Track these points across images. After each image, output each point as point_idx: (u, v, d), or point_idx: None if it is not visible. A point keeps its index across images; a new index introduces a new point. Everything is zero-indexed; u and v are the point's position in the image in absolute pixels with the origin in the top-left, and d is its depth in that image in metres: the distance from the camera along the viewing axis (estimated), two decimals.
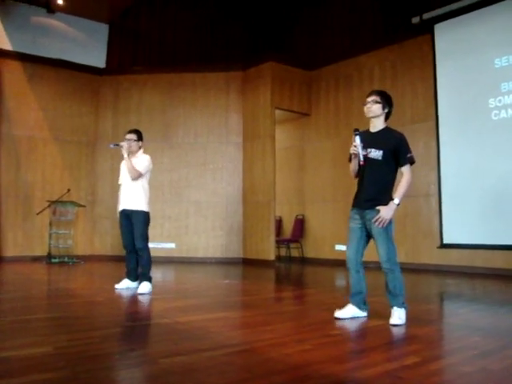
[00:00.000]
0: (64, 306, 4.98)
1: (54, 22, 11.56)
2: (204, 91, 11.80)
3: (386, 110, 4.24)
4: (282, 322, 4.18)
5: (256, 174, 11.09)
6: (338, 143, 10.93)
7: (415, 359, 2.96)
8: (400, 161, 4.12)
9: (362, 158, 4.13)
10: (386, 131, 4.26)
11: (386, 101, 4.25)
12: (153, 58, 12.44)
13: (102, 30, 12.18)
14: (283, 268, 10.45)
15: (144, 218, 5.97)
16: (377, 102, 4.21)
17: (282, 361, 2.91)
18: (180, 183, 11.44)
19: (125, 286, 6.07)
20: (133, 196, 5.97)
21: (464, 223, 8.89)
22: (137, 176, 5.93)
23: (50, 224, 10.34)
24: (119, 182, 6.22)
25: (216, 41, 12.90)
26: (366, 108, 4.26)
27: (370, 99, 4.24)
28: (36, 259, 10.47)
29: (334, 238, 10.95)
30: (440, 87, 9.39)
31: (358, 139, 4.15)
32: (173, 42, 12.60)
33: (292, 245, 11.94)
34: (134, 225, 5.94)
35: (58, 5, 11.25)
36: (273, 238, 10.66)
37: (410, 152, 4.15)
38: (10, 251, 10.51)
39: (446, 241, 9.09)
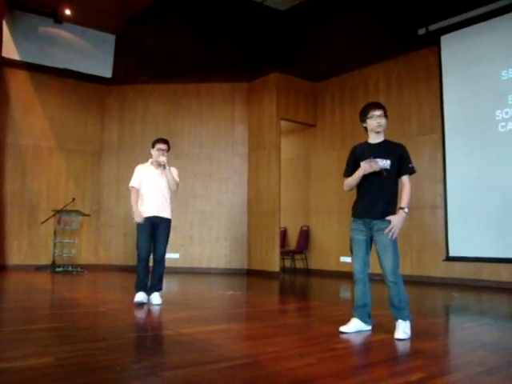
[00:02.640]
0: (66, 315, 4.95)
1: (61, 32, 11.62)
2: (209, 102, 11.81)
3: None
4: (286, 335, 4.14)
5: (261, 184, 11.06)
6: (344, 154, 10.77)
7: (420, 375, 2.91)
8: (402, 170, 4.12)
9: (385, 172, 4.04)
10: (387, 142, 4.27)
11: (387, 115, 4.26)
12: (159, 68, 12.48)
13: (109, 40, 12.22)
14: (288, 280, 10.38)
15: (170, 224, 5.97)
16: (386, 116, 4.21)
17: (285, 375, 2.86)
18: (185, 193, 11.40)
19: (141, 298, 5.72)
20: (165, 204, 5.94)
21: (470, 236, 8.83)
22: (177, 187, 6.00)
23: (55, 233, 10.35)
24: (135, 186, 5.99)
25: (221, 52, 12.95)
26: (376, 123, 4.16)
27: (379, 113, 4.18)
28: (40, 268, 10.45)
29: (339, 249, 10.90)
30: (446, 99, 9.36)
31: (377, 160, 4.07)
32: (178, 52, 12.65)
33: (297, 256, 11.88)
34: (161, 232, 5.83)
35: (66, 15, 11.30)
36: (277, 249, 10.61)
37: (411, 162, 4.16)
38: (14, 259, 10.51)
39: (451, 253, 9.03)
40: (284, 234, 12.31)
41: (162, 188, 5.96)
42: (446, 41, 9.46)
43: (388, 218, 4.04)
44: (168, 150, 6.10)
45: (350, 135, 10.89)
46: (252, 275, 10.76)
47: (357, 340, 3.96)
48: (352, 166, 4.36)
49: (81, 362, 3.04)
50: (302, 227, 11.89)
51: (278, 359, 3.21)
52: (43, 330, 4.19)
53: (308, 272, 11.55)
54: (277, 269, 10.50)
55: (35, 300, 6.27)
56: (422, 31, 9.69)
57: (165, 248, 5.88)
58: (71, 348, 3.42)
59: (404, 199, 4.08)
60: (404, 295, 4.04)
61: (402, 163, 4.12)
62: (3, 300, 6.35)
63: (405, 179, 4.13)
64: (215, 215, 11.41)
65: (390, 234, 4.00)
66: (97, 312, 5.24)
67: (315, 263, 11.56)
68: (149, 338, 4.07)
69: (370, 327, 4.23)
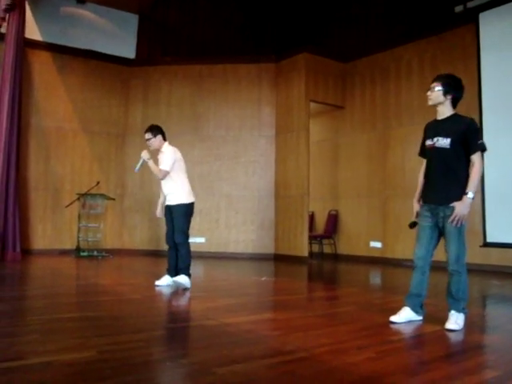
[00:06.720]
0: (100, 303, 4.74)
1: (83, 13, 11.36)
2: (235, 83, 11.51)
3: (450, 96, 3.88)
4: (335, 326, 3.90)
5: (289, 167, 10.79)
6: (374, 137, 10.60)
7: (494, 373, 2.68)
8: (470, 148, 3.76)
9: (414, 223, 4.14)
10: (454, 117, 3.91)
11: (451, 86, 3.88)
12: (182, 49, 12.19)
13: (132, 20, 11.92)
14: (317, 265, 10.15)
15: (183, 210, 5.79)
16: (437, 90, 3.88)
17: (348, 371, 2.64)
18: (211, 176, 11.19)
19: (165, 282, 5.85)
20: (170, 192, 5.86)
21: (508, 221, 8.48)
22: (164, 175, 5.80)
23: (79, 217, 10.17)
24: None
25: (246, 33, 12.62)
26: (428, 95, 3.98)
27: (431, 85, 3.95)
28: (64, 252, 10.32)
29: (368, 234, 10.63)
30: (484, 79, 8.95)
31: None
32: (202, 32, 12.36)
33: (324, 241, 11.63)
34: (174, 219, 5.80)
35: None
36: (306, 233, 10.34)
37: (481, 138, 3.82)
38: (38, 244, 10.36)
39: (489, 239, 8.70)
40: (312, 218, 12.04)
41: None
42: (484, 18, 9.00)
43: (453, 204, 3.75)
44: (154, 135, 5.87)
45: (381, 117, 10.56)
46: (279, 260, 10.53)
47: (410, 331, 3.73)
48: (422, 145, 4.14)
49: (125, 356, 2.83)
50: (330, 211, 11.62)
51: (336, 353, 2.99)
52: (78, 320, 3.98)
53: (336, 257, 11.29)
54: (305, 254, 10.24)
55: (64, 286, 6.10)
56: (459, 8, 9.27)
57: (179, 234, 5.77)
58: (111, 340, 3.21)
59: (470, 183, 3.73)
60: (464, 287, 3.80)
61: (469, 140, 3.76)
62: (32, 286, 6.18)
63: (474, 158, 3.75)
64: (242, 199, 11.16)
65: (454, 222, 3.73)
66: (130, 299, 5.03)
67: (344, 248, 11.29)
68: (191, 328, 3.85)
69: (421, 317, 4.02)
